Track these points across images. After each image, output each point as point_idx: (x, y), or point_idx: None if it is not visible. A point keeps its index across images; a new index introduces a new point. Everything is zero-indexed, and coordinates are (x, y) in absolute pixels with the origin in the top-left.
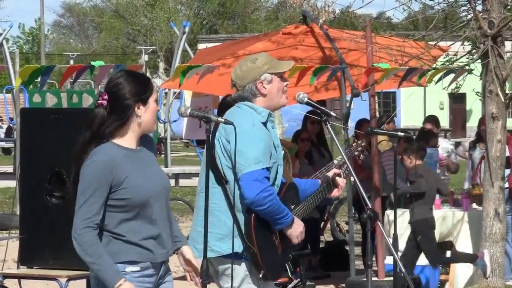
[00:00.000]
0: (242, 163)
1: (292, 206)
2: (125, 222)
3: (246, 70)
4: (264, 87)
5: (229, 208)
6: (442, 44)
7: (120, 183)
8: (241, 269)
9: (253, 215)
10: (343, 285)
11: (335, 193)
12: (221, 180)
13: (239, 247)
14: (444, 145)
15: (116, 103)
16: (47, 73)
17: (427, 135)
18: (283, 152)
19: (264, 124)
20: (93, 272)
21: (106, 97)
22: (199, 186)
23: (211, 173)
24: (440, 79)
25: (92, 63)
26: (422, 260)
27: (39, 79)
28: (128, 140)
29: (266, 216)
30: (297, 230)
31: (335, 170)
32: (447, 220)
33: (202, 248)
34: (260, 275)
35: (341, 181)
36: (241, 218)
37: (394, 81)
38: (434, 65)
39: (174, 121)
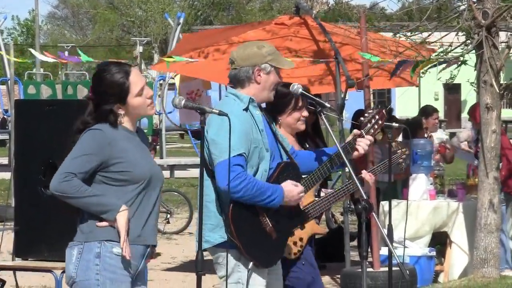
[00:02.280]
0: (215, 153)
1: None
2: (121, 199)
3: (250, 53)
4: (260, 75)
5: (217, 199)
6: (436, 34)
7: (118, 157)
8: (230, 258)
9: (230, 207)
10: (339, 276)
11: (357, 153)
12: (211, 171)
13: (226, 236)
14: (439, 135)
15: (97, 105)
16: None
17: (413, 126)
18: None
19: (246, 109)
20: (89, 207)
21: (90, 94)
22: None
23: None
24: (433, 66)
25: (82, 58)
26: (417, 251)
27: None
28: (125, 122)
29: (248, 201)
30: (292, 198)
31: (355, 131)
32: (442, 210)
33: (207, 239)
34: (249, 266)
35: (363, 141)
36: (225, 208)
37: (388, 78)
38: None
39: (169, 112)
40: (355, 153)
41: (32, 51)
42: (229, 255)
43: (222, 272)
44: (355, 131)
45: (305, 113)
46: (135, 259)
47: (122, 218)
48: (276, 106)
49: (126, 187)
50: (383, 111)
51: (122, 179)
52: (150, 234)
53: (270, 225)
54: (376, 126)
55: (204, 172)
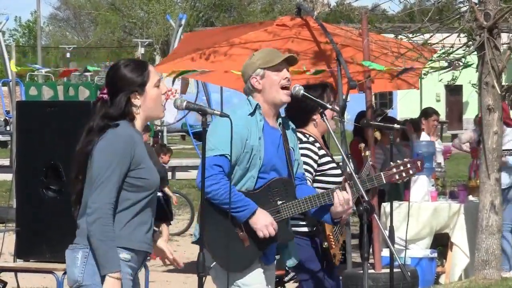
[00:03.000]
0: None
1: (280, 202)
2: (135, 205)
3: (245, 66)
4: (258, 82)
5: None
6: (438, 35)
7: (139, 162)
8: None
9: (200, 206)
10: (340, 277)
11: (335, 208)
12: None
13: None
14: (437, 145)
15: (114, 96)
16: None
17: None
18: None
19: (253, 114)
20: (95, 251)
21: (105, 90)
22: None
23: None
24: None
25: (89, 67)
26: (419, 252)
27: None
28: (136, 124)
29: (218, 204)
30: (260, 223)
31: (343, 180)
32: (443, 212)
33: (195, 234)
34: (212, 265)
35: (340, 194)
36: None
37: (389, 80)
38: (430, 58)
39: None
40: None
41: (36, 67)
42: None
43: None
44: (344, 182)
45: (336, 108)
46: (138, 265)
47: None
48: (306, 107)
49: (139, 193)
50: (419, 163)
51: (139, 185)
52: (151, 242)
53: (243, 232)
54: (408, 178)
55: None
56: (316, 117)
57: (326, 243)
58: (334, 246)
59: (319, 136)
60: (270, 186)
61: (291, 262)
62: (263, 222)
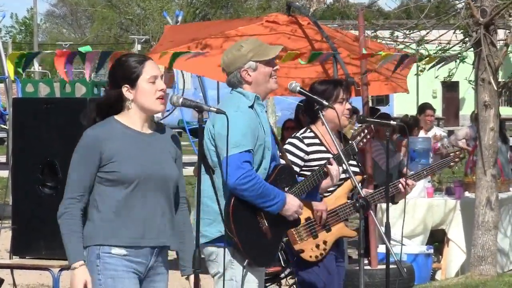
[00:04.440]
0: (223, 147)
1: (286, 189)
2: (115, 200)
3: (231, 58)
4: (249, 74)
5: (214, 193)
6: (434, 32)
7: (111, 157)
8: (222, 255)
9: (231, 203)
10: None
11: (325, 183)
12: (209, 167)
13: (224, 231)
14: (437, 131)
15: (110, 89)
16: (32, 58)
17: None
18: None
19: (252, 107)
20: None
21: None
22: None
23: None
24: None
25: (79, 49)
26: (415, 248)
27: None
28: (131, 121)
29: (250, 201)
30: (290, 210)
31: (331, 159)
32: (440, 208)
33: (204, 234)
34: (245, 263)
35: (332, 168)
36: (223, 203)
37: (385, 84)
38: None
39: (167, 110)
40: (328, 180)
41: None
42: (222, 251)
43: (214, 270)
44: (331, 159)
45: (348, 105)
46: (143, 258)
47: (74, 278)
48: (312, 104)
49: (116, 187)
50: (372, 126)
51: (112, 179)
52: (156, 236)
53: (266, 225)
54: (365, 140)
55: (202, 167)
56: (325, 112)
57: (285, 239)
58: (298, 241)
59: (326, 132)
60: (278, 174)
61: None
62: (293, 209)
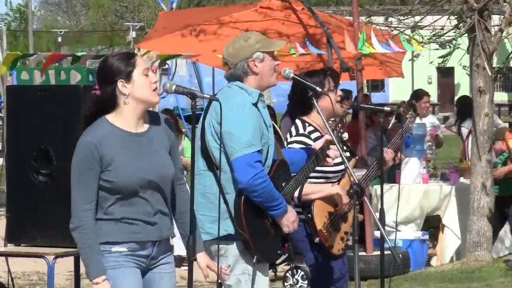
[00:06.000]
0: (234, 147)
1: (283, 183)
2: (113, 203)
3: (238, 48)
4: (256, 65)
5: (220, 191)
6: (429, 18)
7: (108, 164)
8: (233, 250)
9: (242, 200)
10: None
11: (330, 160)
12: (213, 164)
13: (231, 228)
14: (431, 120)
15: (103, 87)
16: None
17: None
18: None
19: (255, 104)
20: (80, 257)
21: (97, 86)
22: (196, 168)
23: (203, 158)
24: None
25: (77, 54)
26: (410, 234)
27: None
28: (124, 120)
29: (258, 202)
30: (289, 219)
31: (326, 137)
32: (435, 194)
33: (208, 231)
34: (254, 260)
35: (333, 148)
36: (231, 201)
37: (380, 68)
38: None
39: (163, 97)
40: (329, 160)
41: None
42: (231, 247)
43: (224, 264)
44: (327, 136)
45: (339, 92)
46: (144, 251)
47: None
48: (307, 93)
49: (112, 195)
50: (340, 124)
51: (107, 187)
52: (158, 229)
53: (270, 222)
54: (339, 134)
55: (205, 163)
56: (320, 101)
57: (317, 239)
58: (328, 239)
59: (320, 120)
60: (276, 170)
61: None
62: (291, 219)
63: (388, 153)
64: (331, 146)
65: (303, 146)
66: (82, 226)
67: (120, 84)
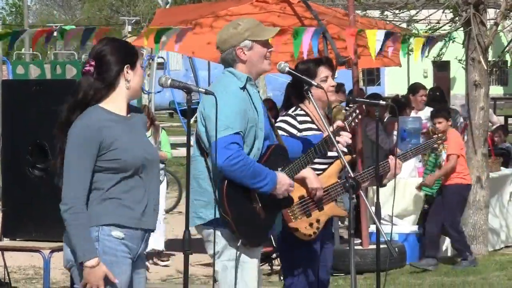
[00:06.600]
0: (211, 130)
1: (280, 169)
2: (120, 183)
3: (227, 35)
4: (244, 53)
5: (209, 175)
6: (424, 12)
7: (109, 145)
8: (224, 235)
9: (225, 184)
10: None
11: (343, 143)
12: (204, 149)
13: (218, 213)
14: (426, 113)
15: (104, 68)
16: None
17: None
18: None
19: (244, 88)
20: (71, 240)
21: (93, 63)
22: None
23: (196, 144)
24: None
25: (64, 27)
26: (406, 228)
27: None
28: (117, 106)
29: (241, 182)
30: (281, 188)
31: (338, 123)
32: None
33: (200, 215)
34: (238, 244)
35: (346, 135)
36: (218, 185)
37: (377, 58)
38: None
39: (158, 92)
40: (339, 145)
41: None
42: (220, 233)
43: (211, 250)
44: (339, 122)
45: (332, 82)
46: (135, 243)
47: (93, 275)
48: (301, 82)
49: (118, 174)
50: (363, 106)
51: (113, 167)
52: (150, 219)
53: (260, 205)
54: (356, 120)
55: (197, 148)
56: (313, 90)
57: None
58: (292, 220)
59: (315, 111)
60: (271, 154)
61: (279, 229)
62: (284, 187)
63: (398, 164)
64: (341, 133)
65: (283, 124)
66: (75, 207)
67: (126, 68)
